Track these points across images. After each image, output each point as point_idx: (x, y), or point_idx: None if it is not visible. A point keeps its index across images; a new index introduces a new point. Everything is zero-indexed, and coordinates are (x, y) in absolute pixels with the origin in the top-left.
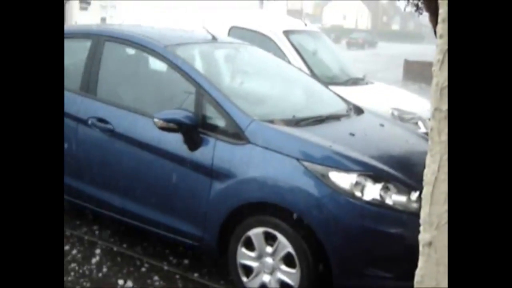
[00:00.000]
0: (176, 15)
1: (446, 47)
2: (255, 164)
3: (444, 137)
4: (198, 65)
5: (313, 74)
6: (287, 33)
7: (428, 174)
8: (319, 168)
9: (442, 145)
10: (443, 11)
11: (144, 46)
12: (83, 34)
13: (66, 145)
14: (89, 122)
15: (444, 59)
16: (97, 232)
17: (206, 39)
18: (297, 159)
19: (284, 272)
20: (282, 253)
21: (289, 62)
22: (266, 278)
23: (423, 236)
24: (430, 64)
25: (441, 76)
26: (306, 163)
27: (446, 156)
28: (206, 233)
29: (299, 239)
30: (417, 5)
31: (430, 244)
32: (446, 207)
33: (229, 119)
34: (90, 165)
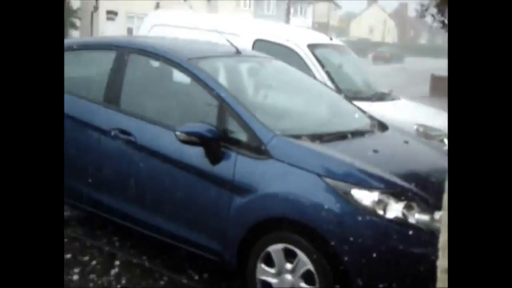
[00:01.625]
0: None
1: None
2: (276, 179)
3: None
4: (222, 78)
5: (338, 89)
6: (312, 47)
7: (446, 199)
8: (341, 185)
9: None
10: None
11: (167, 59)
12: (108, 46)
13: (88, 156)
14: (112, 133)
15: None
16: (117, 244)
17: (230, 52)
18: (319, 175)
19: None
20: (302, 270)
21: (313, 76)
22: None
23: (441, 263)
24: None
25: None
26: (328, 180)
27: None
28: (225, 248)
29: (320, 257)
30: (442, 22)
31: (447, 270)
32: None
33: (251, 133)
34: (112, 177)
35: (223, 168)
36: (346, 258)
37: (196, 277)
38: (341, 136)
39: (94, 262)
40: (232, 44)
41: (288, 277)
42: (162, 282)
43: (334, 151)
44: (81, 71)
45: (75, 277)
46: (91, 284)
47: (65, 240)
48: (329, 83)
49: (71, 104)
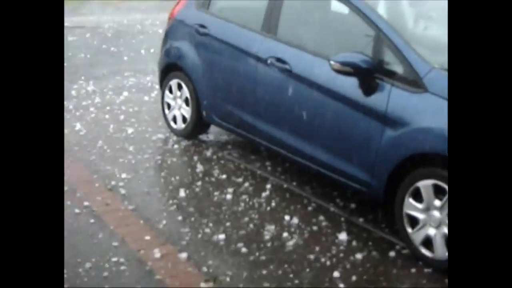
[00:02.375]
0: None
1: None
2: (431, 114)
3: None
4: (380, 8)
5: None
6: None
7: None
8: None
9: None
10: None
11: None
12: None
13: (245, 83)
14: (268, 61)
15: None
16: (269, 168)
17: None
18: None
19: None
20: None
21: None
22: (431, 231)
23: None
24: None
25: None
26: None
27: None
28: (374, 180)
29: None
30: None
31: None
32: None
33: (408, 66)
34: (267, 103)
35: (376, 100)
36: None
37: (343, 206)
38: None
39: (246, 184)
40: None
41: (436, 214)
42: (310, 208)
43: None
44: (241, 2)
45: (228, 196)
46: (242, 204)
47: (221, 161)
48: None
49: (232, 32)
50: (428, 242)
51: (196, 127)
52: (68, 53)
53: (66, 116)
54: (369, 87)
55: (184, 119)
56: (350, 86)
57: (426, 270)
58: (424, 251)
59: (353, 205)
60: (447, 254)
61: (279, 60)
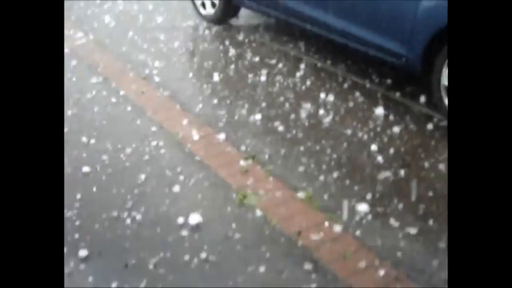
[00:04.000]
0: None
1: None
2: None
3: None
4: None
5: None
6: None
7: None
8: None
9: None
10: None
11: None
12: None
13: None
14: None
15: None
16: (302, 49)
17: None
18: None
19: None
20: None
21: None
22: None
23: None
24: None
25: None
26: None
27: None
28: (410, 52)
29: None
30: None
31: None
32: None
33: None
34: None
35: None
36: None
37: (379, 82)
38: None
39: (280, 65)
40: None
41: None
42: (345, 85)
43: None
44: None
45: (263, 78)
46: (277, 85)
47: (253, 45)
48: None
49: None
50: None
51: (225, 11)
52: None
53: (95, 10)
54: None
55: (213, 3)
56: None
57: None
58: None
59: (389, 81)
60: None
61: None
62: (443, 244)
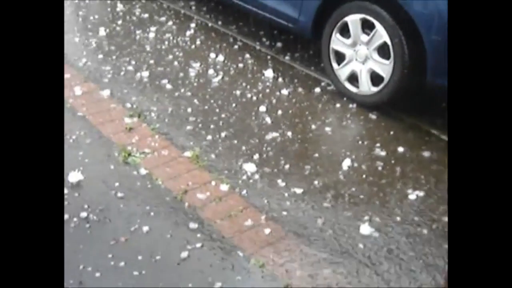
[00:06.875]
0: None
1: None
2: None
3: None
4: None
5: None
6: None
7: None
8: None
9: None
10: None
11: None
12: None
13: None
14: None
15: None
16: (193, 8)
17: None
18: None
19: (376, 62)
20: (377, 43)
21: None
22: (357, 66)
23: None
24: None
25: None
26: None
27: None
28: (302, 15)
29: (398, 30)
30: None
31: None
32: None
33: None
34: None
35: None
36: (425, 34)
37: (269, 45)
38: None
39: (170, 23)
40: None
41: (363, 49)
42: (235, 47)
43: None
44: None
45: (151, 35)
46: (166, 42)
47: (142, 1)
48: None
49: None
50: (353, 78)
51: None
52: None
53: None
54: None
55: None
56: None
57: (350, 105)
58: (349, 86)
59: (279, 44)
60: (371, 89)
61: None
62: (327, 204)
